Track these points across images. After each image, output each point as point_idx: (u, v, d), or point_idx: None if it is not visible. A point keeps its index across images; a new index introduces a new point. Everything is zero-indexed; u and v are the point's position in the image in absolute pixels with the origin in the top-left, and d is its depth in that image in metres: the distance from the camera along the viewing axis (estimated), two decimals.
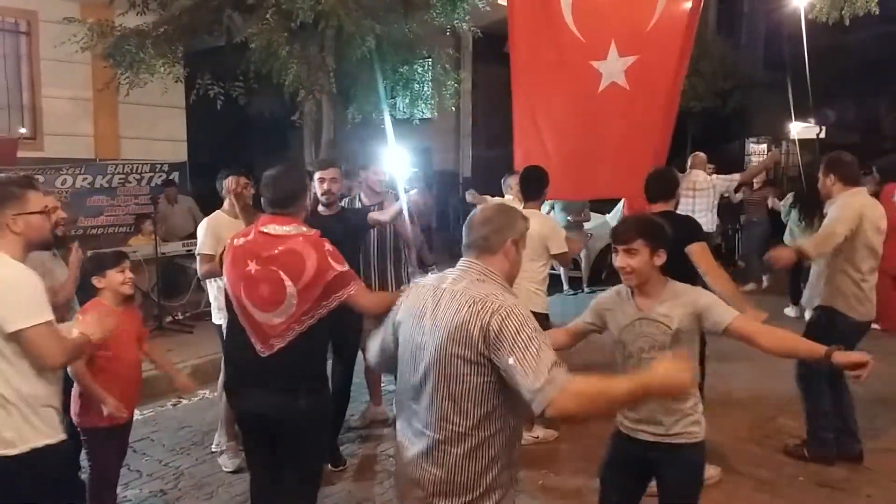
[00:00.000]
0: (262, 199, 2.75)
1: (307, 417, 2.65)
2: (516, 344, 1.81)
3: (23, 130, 8.11)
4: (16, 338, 2.24)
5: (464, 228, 2.12)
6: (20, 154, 7.49)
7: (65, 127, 8.16)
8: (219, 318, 3.86)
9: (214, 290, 3.97)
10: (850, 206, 3.84)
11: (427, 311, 2.00)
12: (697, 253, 3.49)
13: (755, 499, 3.69)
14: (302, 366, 2.62)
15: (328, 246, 2.62)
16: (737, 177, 7.81)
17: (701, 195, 7.14)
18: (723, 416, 4.41)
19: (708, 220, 7.05)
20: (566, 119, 4.41)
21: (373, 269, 4.30)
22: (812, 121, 15.06)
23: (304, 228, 2.65)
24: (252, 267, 2.56)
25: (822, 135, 15.55)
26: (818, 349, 2.35)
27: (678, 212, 3.94)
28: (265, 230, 2.62)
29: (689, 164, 7.54)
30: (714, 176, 7.55)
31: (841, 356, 2.27)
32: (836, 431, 4.11)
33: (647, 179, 3.82)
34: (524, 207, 4.29)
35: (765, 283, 9.27)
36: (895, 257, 5.68)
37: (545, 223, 4.23)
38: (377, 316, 2.69)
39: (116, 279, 3.08)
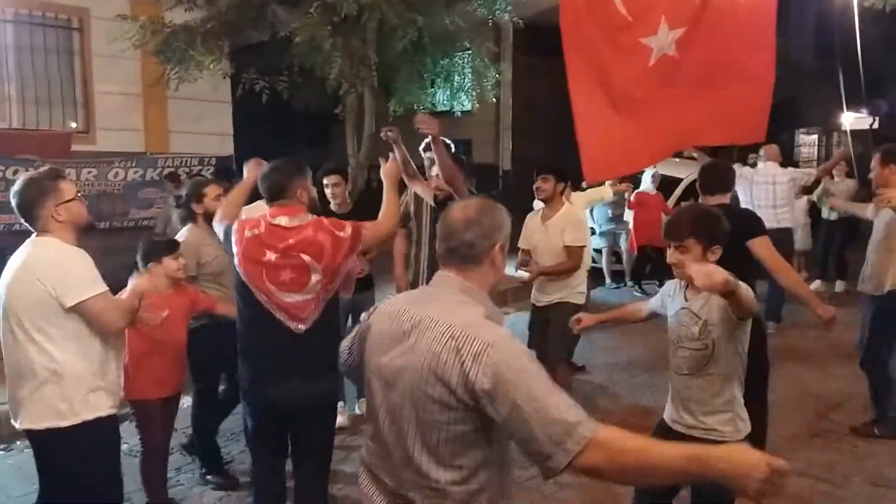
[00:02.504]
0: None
1: (328, 401, 2.86)
2: (518, 391, 1.45)
3: (74, 125, 8.36)
4: (76, 310, 2.41)
5: (439, 230, 1.74)
6: (74, 147, 7.74)
7: (116, 121, 8.38)
8: None
9: None
10: None
11: (397, 340, 1.65)
12: (761, 248, 3.37)
13: (809, 498, 3.62)
14: (326, 345, 2.67)
15: (325, 221, 2.80)
16: (812, 171, 7.59)
17: (781, 188, 6.77)
18: (773, 416, 4.33)
19: (791, 216, 6.80)
20: (621, 97, 4.42)
21: (423, 254, 4.22)
22: (864, 111, 14.57)
23: (310, 217, 2.81)
24: (271, 256, 2.70)
25: (876, 125, 15.05)
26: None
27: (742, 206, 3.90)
28: (276, 222, 2.75)
29: (761, 155, 7.17)
30: (790, 168, 7.37)
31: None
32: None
33: (703, 171, 3.77)
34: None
35: (838, 287, 8.26)
36: None
37: None
38: (395, 227, 3.06)
39: (172, 266, 3.29)
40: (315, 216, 2.85)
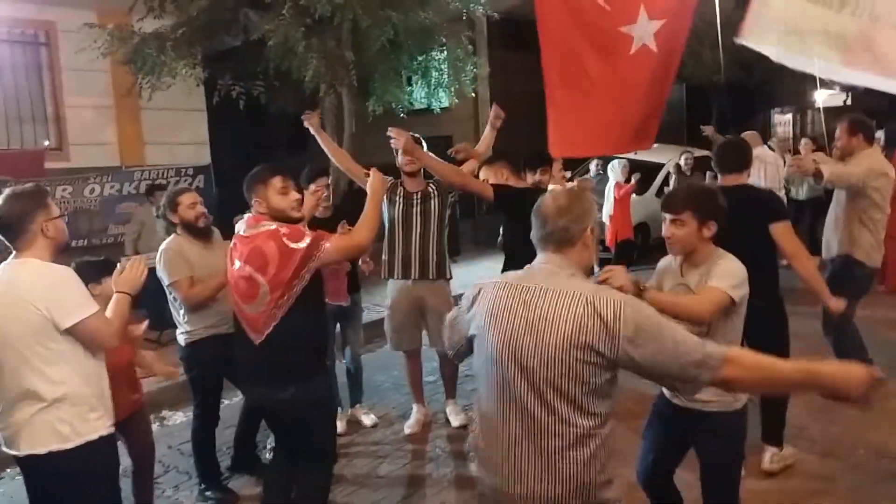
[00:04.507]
0: None
1: (296, 406, 2.77)
2: (658, 332, 1.75)
3: (47, 143, 8.18)
4: (71, 331, 2.34)
5: (534, 218, 1.95)
6: (48, 165, 7.58)
7: (89, 136, 8.23)
8: None
9: None
10: (871, 159, 4.27)
11: (520, 312, 1.85)
12: (782, 234, 3.35)
13: (818, 472, 3.60)
14: (287, 355, 2.74)
15: (283, 230, 2.71)
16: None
17: (770, 169, 6.98)
18: None
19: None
20: (599, 85, 4.41)
21: (413, 254, 4.22)
22: (837, 88, 14.71)
23: (268, 226, 2.75)
24: (236, 265, 2.77)
25: (849, 101, 15.20)
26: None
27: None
28: (241, 233, 2.82)
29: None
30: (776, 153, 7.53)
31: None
32: None
33: (720, 150, 3.71)
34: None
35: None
36: None
37: None
38: (367, 243, 2.89)
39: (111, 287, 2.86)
40: (275, 224, 2.74)
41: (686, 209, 2.51)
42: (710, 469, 2.60)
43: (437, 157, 4.02)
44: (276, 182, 2.81)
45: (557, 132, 4.51)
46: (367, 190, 3.04)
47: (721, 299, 2.42)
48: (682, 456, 2.73)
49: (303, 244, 2.67)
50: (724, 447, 2.56)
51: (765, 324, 3.39)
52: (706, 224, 2.52)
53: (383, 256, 4.33)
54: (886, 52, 3.64)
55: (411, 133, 4.31)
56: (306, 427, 2.88)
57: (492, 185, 4.03)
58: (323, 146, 4.41)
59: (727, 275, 2.48)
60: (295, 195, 2.90)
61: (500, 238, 4.71)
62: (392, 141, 3.93)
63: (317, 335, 2.93)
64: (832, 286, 4.32)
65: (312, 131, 4.35)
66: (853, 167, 4.27)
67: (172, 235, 3.66)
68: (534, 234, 1.96)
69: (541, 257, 1.95)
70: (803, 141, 8.80)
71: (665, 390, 2.68)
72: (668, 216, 2.56)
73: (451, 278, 4.41)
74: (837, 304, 3.46)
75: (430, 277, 4.26)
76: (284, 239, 2.68)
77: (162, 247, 3.59)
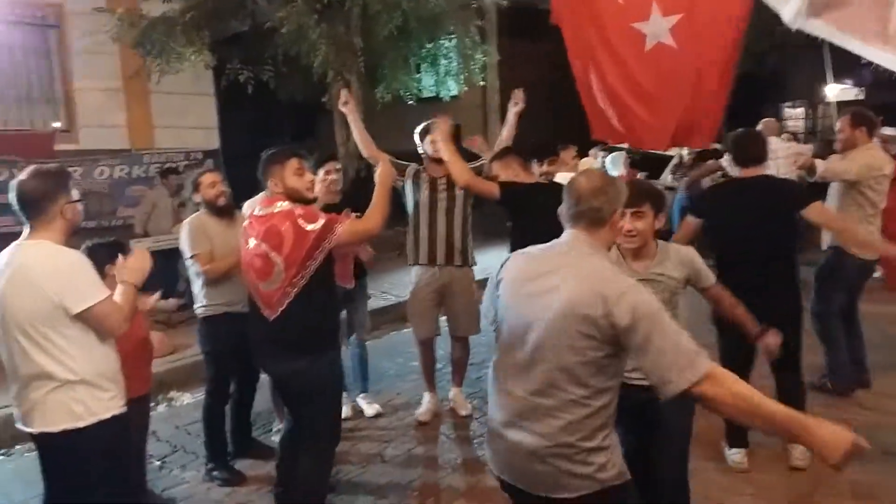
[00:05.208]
0: None
1: (306, 378, 2.88)
2: (652, 325, 1.79)
3: (57, 124, 8.19)
4: (82, 316, 2.36)
5: (566, 195, 2.05)
6: (57, 147, 7.60)
7: (99, 118, 8.22)
8: None
9: None
10: (868, 155, 4.31)
11: (537, 282, 1.98)
12: (818, 213, 3.48)
13: (826, 470, 3.61)
14: (301, 329, 2.84)
15: (298, 210, 2.81)
16: (804, 149, 7.61)
17: (783, 163, 6.84)
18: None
19: None
20: (617, 79, 4.38)
21: (439, 239, 4.24)
22: (850, 82, 14.57)
23: (283, 204, 2.85)
24: (251, 243, 2.87)
25: (862, 96, 15.07)
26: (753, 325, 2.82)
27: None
28: (256, 212, 2.93)
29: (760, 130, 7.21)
30: (792, 143, 7.47)
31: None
32: (851, 363, 4.51)
33: (737, 142, 3.70)
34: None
35: None
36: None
37: None
38: (378, 230, 2.96)
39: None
40: (291, 205, 2.84)
41: (646, 201, 2.62)
42: (667, 439, 2.71)
43: (457, 155, 3.89)
44: (293, 163, 2.92)
45: (594, 116, 4.53)
46: (376, 179, 3.11)
47: None
48: (647, 435, 2.75)
49: (316, 226, 2.77)
50: (676, 413, 2.60)
51: (781, 314, 3.40)
52: (658, 217, 2.65)
53: (408, 242, 4.35)
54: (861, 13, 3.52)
55: (446, 118, 4.34)
56: (314, 399, 2.95)
57: (499, 182, 3.95)
58: (353, 130, 4.47)
59: (702, 264, 2.74)
60: (310, 176, 3.02)
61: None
62: (434, 125, 4.02)
63: (329, 314, 3.02)
64: (823, 277, 4.44)
65: (346, 112, 4.41)
66: (848, 163, 4.31)
67: (197, 213, 3.79)
68: (563, 210, 2.05)
69: (568, 233, 2.04)
70: (784, 136, 8.82)
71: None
72: (628, 210, 2.58)
73: (475, 264, 4.42)
74: (888, 247, 3.65)
75: (456, 264, 4.28)
76: (299, 220, 2.77)
77: (185, 221, 3.76)
